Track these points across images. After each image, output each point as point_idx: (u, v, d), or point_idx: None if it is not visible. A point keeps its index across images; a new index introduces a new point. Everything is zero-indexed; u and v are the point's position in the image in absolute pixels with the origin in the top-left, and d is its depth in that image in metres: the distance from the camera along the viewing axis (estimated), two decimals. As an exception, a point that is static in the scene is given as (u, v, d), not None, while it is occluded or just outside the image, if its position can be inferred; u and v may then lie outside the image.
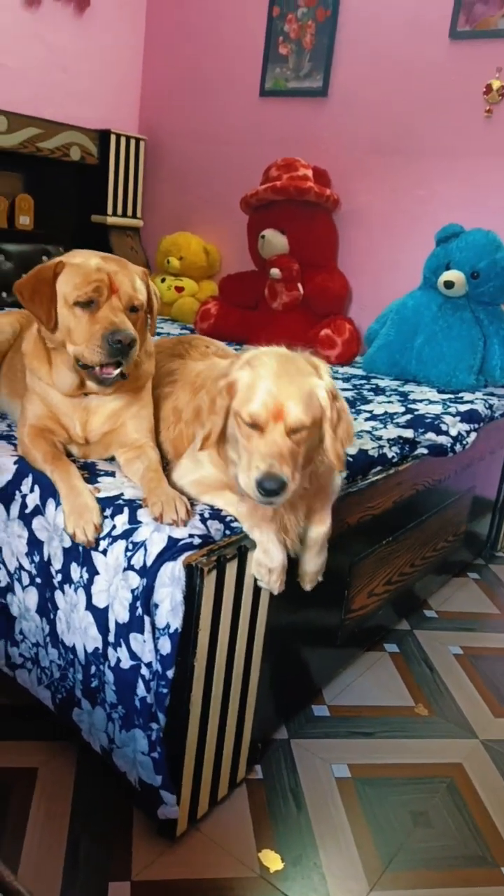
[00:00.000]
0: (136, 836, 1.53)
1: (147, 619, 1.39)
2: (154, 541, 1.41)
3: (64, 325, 1.57)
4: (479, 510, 2.85)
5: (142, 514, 1.47)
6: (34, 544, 1.62)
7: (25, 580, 1.66)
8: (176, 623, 1.36)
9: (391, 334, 3.05)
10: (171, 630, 1.36)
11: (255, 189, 3.50)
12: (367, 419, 2.33)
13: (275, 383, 1.34)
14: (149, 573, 1.38)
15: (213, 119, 4.03)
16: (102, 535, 1.48)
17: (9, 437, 1.83)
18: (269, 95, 3.80)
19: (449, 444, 2.23)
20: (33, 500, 1.62)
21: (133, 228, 4.22)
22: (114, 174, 3.98)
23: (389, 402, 2.59)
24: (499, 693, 2.15)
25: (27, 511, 1.63)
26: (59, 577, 1.57)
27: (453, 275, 2.88)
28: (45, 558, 1.60)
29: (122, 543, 1.45)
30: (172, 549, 1.38)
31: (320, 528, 1.55)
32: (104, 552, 1.47)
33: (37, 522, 1.61)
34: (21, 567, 1.67)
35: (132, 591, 1.41)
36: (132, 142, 4.04)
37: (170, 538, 1.40)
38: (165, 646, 1.38)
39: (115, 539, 1.46)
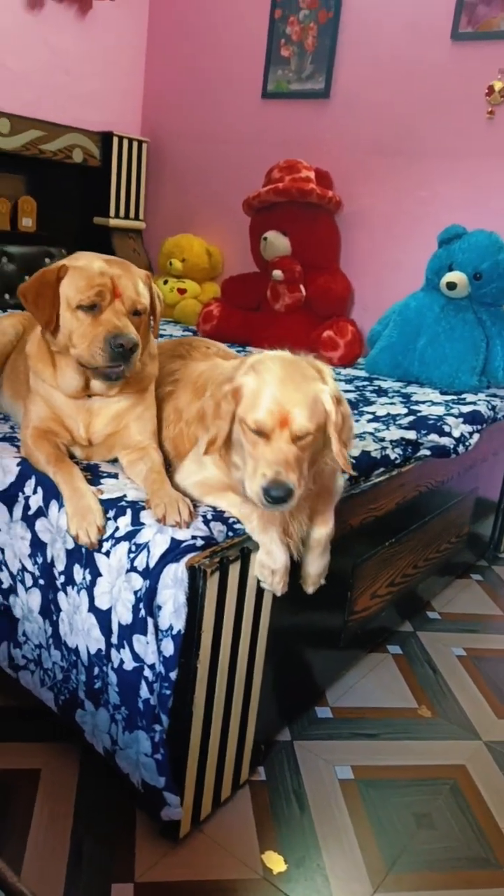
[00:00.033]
0: (139, 837, 1.53)
1: (150, 621, 1.39)
2: (157, 542, 1.41)
3: (67, 328, 1.57)
4: (482, 512, 2.85)
5: (145, 516, 1.48)
6: (37, 546, 1.63)
7: (28, 582, 1.67)
8: (179, 625, 1.36)
9: (393, 336, 3.05)
10: (174, 632, 1.37)
11: (258, 191, 3.51)
12: (369, 421, 2.33)
13: (280, 390, 1.35)
14: (152, 575, 1.38)
15: (215, 121, 4.03)
16: (105, 536, 1.48)
17: (12, 438, 1.83)
18: (271, 97, 3.80)
19: (452, 446, 2.23)
20: (36, 501, 1.62)
21: (135, 230, 4.22)
22: (116, 176, 3.99)
23: (392, 403, 2.59)
24: (502, 694, 2.15)
25: (30, 513, 1.63)
26: (62, 579, 1.57)
27: (456, 276, 2.88)
28: (49, 560, 1.60)
29: (124, 545, 1.45)
30: (175, 551, 1.38)
31: (323, 530, 1.56)
32: (107, 554, 1.47)
33: (40, 524, 1.61)
34: (24, 569, 1.67)
35: (135, 592, 1.41)
36: (135, 144, 4.05)
37: (173, 540, 1.40)
38: (168, 647, 1.38)
39: (118, 541, 1.46)
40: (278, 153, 3.61)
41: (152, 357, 1.76)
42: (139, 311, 1.60)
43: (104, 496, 1.56)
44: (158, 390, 1.80)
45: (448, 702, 2.10)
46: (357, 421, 2.27)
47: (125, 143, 3.98)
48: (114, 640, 1.47)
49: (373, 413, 2.43)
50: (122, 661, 1.46)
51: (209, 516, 1.49)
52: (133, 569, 1.42)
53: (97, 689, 1.55)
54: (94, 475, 1.66)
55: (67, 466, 1.60)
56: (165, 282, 4.05)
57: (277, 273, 3.35)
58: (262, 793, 1.69)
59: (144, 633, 1.40)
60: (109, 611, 1.47)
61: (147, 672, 1.42)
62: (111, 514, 1.51)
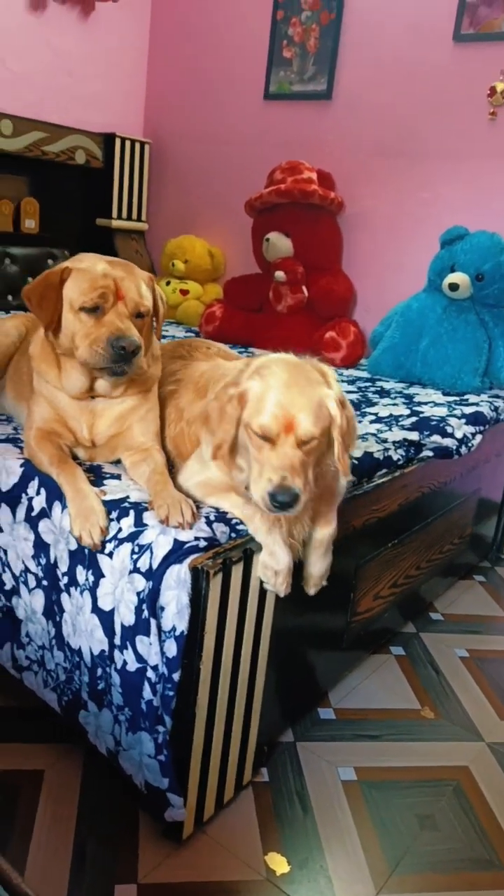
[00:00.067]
0: (142, 838, 1.53)
1: (153, 622, 1.39)
2: (160, 543, 1.41)
3: (69, 329, 1.58)
4: (485, 512, 2.85)
5: (148, 517, 1.48)
6: (40, 547, 1.63)
7: (32, 583, 1.67)
8: (182, 626, 1.36)
9: (396, 337, 3.05)
10: (177, 633, 1.37)
11: (260, 192, 3.51)
12: (372, 421, 2.33)
13: (285, 395, 1.35)
14: (154, 576, 1.38)
15: (218, 122, 4.04)
16: (108, 537, 1.48)
17: (15, 439, 1.83)
18: (273, 99, 3.80)
19: (454, 447, 2.23)
20: (39, 502, 1.62)
21: (138, 232, 4.23)
22: (119, 178, 3.99)
23: (394, 404, 2.59)
24: (505, 696, 2.15)
25: (33, 514, 1.63)
26: (65, 580, 1.58)
27: (458, 277, 2.88)
28: (52, 561, 1.60)
29: (127, 546, 1.45)
30: (178, 552, 1.38)
31: (325, 530, 1.56)
32: (110, 555, 1.47)
33: (43, 525, 1.62)
34: (27, 570, 1.67)
35: (138, 593, 1.42)
36: (137, 145, 4.05)
37: (175, 541, 1.40)
38: (171, 648, 1.38)
39: (120, 542, 1.46)
40: (280, 154, 3.61)
41: (155, 359, 1.76)
42: (142, 314, 1.60)
43: (107, 497, 1.56)
44: (160, 390, 1.81)
45: (451, 703, 2.09)
46: (360, 422, 2.27)
47: (127, 144, 3.99)
48: (117, 641, 1.47)
49: (375, 414, 2.43)
50: (125, 663, 1.46)
51: (212, 517, 1.49)
52: (136, 570, 1.42)
53: (100, 690, 1.55)
54: (97, 476, 1.66)
55: (71, 468, 1.60)
56: (168, 283, 4.06)
57: (280, 274, 3.35)
58: (265, 794, 1.69)
59: (147, 634, 1.40)
60: (112, 612, 1.48)
61: (150, 673, 1.42)
62: (114, 515, 1.51)
